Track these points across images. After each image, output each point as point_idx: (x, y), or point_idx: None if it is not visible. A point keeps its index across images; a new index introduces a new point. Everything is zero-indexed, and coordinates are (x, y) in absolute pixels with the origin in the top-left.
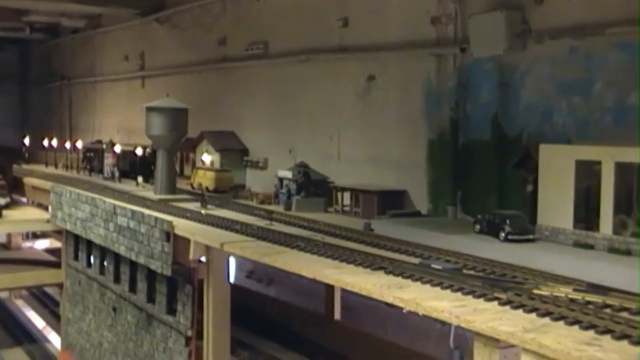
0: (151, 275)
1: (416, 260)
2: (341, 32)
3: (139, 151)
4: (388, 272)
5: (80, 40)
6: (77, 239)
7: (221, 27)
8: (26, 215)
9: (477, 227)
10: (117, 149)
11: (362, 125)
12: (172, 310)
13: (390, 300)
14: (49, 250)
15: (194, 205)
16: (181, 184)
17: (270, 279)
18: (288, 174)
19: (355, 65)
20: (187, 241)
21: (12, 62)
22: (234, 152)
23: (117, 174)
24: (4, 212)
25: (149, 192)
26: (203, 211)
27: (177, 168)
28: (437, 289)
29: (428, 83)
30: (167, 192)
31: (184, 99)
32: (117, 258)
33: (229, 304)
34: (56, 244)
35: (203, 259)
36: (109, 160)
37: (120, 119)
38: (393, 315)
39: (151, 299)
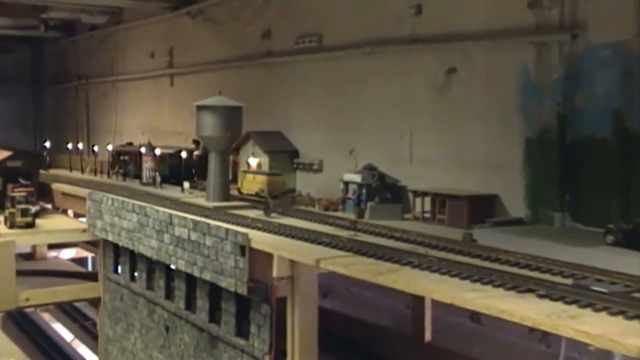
0: (214, 292)
1: (558, 279)
2: (413, 20)
3: (183, 154)
4: (541, 296)
5: (99, 37)
6: (116, 250)
7: (265, 19)
8: (58, 224)
9: (610, 238)
10: (157, 151)
11: (439, 123)
12: (242, 332)
13: (569, 334)
14: (75, 260)
15: (255, 213)
16: None
17: (326, 291)
18: (356, 178)
19: (430, 57)
20: (265, 256)
21: (24, 62)
22: (284, 153)
23: (158, 179)
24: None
25: (198, 199)
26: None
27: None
28: (619, 318)
29: (524, 75)
30: (220, 199)
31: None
32: (169, 272)
33: (316, 328)
34: (82, 253)
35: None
36: (148, 164)
37: (146, 120)
38: (479, 333)
39: (214, 318)
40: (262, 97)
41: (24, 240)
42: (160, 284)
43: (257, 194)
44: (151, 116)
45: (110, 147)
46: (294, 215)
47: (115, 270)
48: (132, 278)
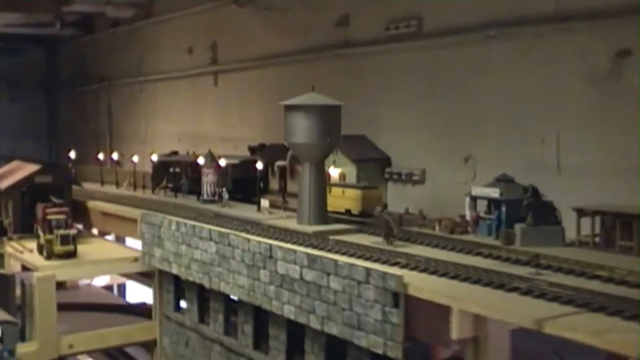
0: (334, 346)
1: None
2: None
3: (259, 165)
4: None
5: (124, 33)
6: (177, 283)
7: (340, 2)
8: (102, 252)
9: None
10: (222, 162)
11: (600, 122)
12: None
13: None
14: (109, 288)
15: (370, 240)
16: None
17: None
18: (492, 192)
19: (588, 37)
20: (431, 307)
21: (37, 65)
22: (373, 162)
23: (225, 195)
24: None
25: (285, 221)
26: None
27: (275, 184)
28: None
29: None
30: (317, 221)
31: (281, 97)
32: (259, 316)
33: None
34: (118, 279)
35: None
36: (209, 177)
37: (183, 125)
38: None
39: None
40: (337, 96)
41: (66, 274)
42: (247, 330)
43: (349, 212)
44: (189, 121)
45: (155, 158)
46: (423, 242)
47: (177, 308)
48: (202, 319)
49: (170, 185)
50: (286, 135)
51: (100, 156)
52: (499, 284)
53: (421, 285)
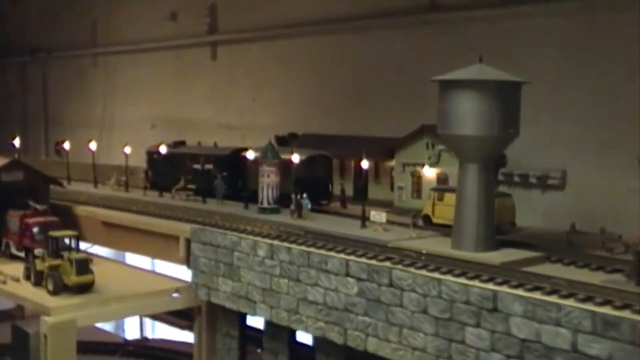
0: None
1: None
2: None
3: (365, 164)
4: None
5: None
6: (242, 323)
7: None
8: (122, 279)
9: None
10: (295, 158)
11: None
12: None
13: None
14: None
15: (598, 278)
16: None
17: None
18: None
19: None
20: None
21: None
22: None
23: (307, 205)
24: None
25: (430, 243)
26: None
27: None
28: None
29: None
30: (486, 246)
31: (322, 74)
32: None
33: None
34: None
35: None
36: (270, 178)
37: (159, 108)
38: None
39: None
40: (422, 75)
41: (88, 318)
42: None
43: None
44: (169, 103)
45: (163, 149)
46: None
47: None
48: None
49: (190, 186)
50: (442, 124)
51: (66, 145)
52: None
53: None
